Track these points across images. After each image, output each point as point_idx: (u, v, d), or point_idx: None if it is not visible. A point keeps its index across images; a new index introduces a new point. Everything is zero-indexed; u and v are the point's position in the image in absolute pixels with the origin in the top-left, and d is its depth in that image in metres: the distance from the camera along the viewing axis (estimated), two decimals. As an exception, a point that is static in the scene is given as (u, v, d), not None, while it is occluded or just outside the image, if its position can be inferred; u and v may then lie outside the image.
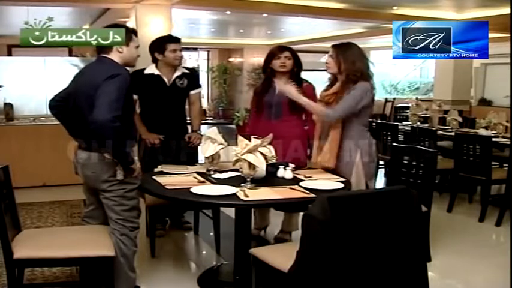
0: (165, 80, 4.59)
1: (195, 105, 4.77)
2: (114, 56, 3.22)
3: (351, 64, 3.75)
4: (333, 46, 3.89)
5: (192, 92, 4.74)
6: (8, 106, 7.40)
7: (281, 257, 2.90)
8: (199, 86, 4.84)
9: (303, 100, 3.83)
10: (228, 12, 10.11)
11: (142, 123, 4.60)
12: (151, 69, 4.63)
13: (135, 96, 4.55)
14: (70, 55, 12.42)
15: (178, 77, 4.63)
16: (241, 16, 10.92)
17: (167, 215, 5.09)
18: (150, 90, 4.60)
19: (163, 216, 4.95)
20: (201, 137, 4.47)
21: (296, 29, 13.29)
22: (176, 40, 4.59)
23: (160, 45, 4.57)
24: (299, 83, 4.35)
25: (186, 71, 4.74)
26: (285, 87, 3.97)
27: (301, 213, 4.51)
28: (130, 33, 3.30)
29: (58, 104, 3.39)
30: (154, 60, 4.63)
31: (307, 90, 4.34)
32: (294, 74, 4.41)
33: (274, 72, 4.40)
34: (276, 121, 4.36)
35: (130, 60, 3.33)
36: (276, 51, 4.39)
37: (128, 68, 3.33)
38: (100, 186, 3.23)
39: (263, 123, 4.43)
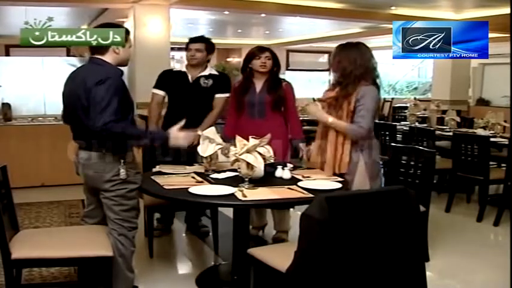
0: (189, 76, 4.71)
1: (215, 109, 4.74)
2: (109, 57, 3.22)
3: (336, 65, 3.78)
4: (337, 46, 3.90)
5: (218, 95, 4.75)
6: (6, 106, 7.40)
7: (279, 257, 2.90)
8: (226, 91, 4.79)
9: (331, 121, 3.76)
10: (226, 12, 10.12)
11: (157, 121, 4.80)
12: (181, 67, 4.87)
13: (163, 93, 4.81)
14: (68, 55, 12.41)
15: (204, 76, 4.71)
16: (240, 16, 10.93)
17: (186, 220, 5.14)
18: (174, 86, 4.76)
19: (167, 217, 4.97)
20: (197, 137, 4.47)
21: (294, 29, 13.30)
22: (193, 40, 4.76)
23: (185, 46, 4.79)
24: (278, 82, 4.48)
25: (216, 73, 4.83)
26: (313, 109, 3.91)
27: (292, 211, 4.60)
28: (127, 34, 3.31)
29: (63, 111, 3.43)
30: None
31: (286, 89, 4.47)
32: (274, 74, 4.50)
33: (254, 72, 4.49)
34: (260, 120, 4.41)
35: (125, 61, 3.34)
36: (256, 52, 4.47)
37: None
38: (102, 185, 3.23)
39: (245, 122, 4.46)
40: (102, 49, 3.21)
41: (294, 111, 4.56)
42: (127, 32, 3.33)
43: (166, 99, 4.86)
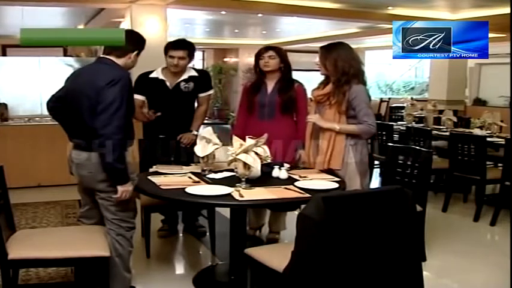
0: (168, 84, 4.59)
1: (201, 107, 4.75)
2: (122, 60, 3.23)
3: (332, 65, 3.81)
4: (320, 47, 3.97)
5: (201, 94, 4.72)
6: (3, 106, 7.40)
7: (276, 257, 2.90)
8: (208, 89, 4.78)
9: (340, 127, 3.79)
10: (223, 12, 10.12)
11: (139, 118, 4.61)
12: (157, 73, 4.64)
13: (143, 98, 4.63)
14: (65, 55, 12.39)
15: (184, 80, 4.60)
16: (236, 16, 10.92)
17: (183, 220, 5.13)
18: (154, 94, 4.62)
19: (172, 217, 4.99)
20: (192, 137, 4.47)
21: (291, 29, 13.30)
22: (175, 47, 4.52)
23: (164, 49, 4.59)
24: (290, 83, 4.40)
25: (195, 74, 4.69)
26: (313, 118, 3.94)
27: (288, 213, 4.59)
28: (143, 43, 3.38)
29: (56, 105, 3.39)
30: None
31: (298, 91, 4.40)
32: (285, 75, 4.42)
33: (264, 72, 4.43)
34: (269, 121, 4.35)
35: (131, 68, 3.37)
36: (261, 51, 4.43)
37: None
38: (97, 186, 3.22)
39: (255, 123, 4.42)
40: (120, 52, 3.21)
41: (303, 113, 4.38)
42: (144, 41, 3.38)
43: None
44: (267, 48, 4.45)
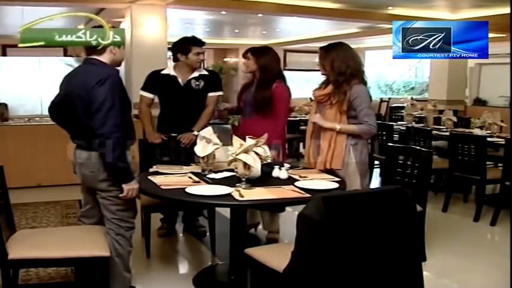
0: (180, 80, 4.63)
1: (208, 108, 4.76)
2: (105, 57, 3.23)
3: (329, 65, 3.84)
4: (320, 47, 3.99)
5: (210, 94, 4.73)
6: (3, 106, 7.40)
7: (276, 257, 2.90)
8: (218, 90, 4.79)
9: (340, 127, 3.80)
10: (223, 12, 10.11)
11: (150, 122, 4.74)
12: (169, 69, 4.70)
13: (152, 96, 4.72)
14: (65, 55, 12.39)
15: (194, 78, 4.64)
16: (237, 16, 10.92)
17: (183, 220, 5.16)
18: (165, 90, 4.68)
19: (170, 217, 5.00)
20: (192, 137, 4.47)
21: (291, 29, 13.30)
22: (201, 43, 4.61)
23: (185, 46, 4.58)
24: (266, 83, 4.36)
25: (206, 73, 4.75)
26: (314, 118, 3.95)
27: (289, 211, 4.60)
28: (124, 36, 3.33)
29: (53, 110, 3.44)
30: (175, 60, 4.66)
31: (277, 91, 4.35)
32: (262, 74, 4.41)
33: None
34: (250, 120, 4.47)
35: (119, 62, 3.36)
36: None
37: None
38: (98, 185, 3.23)
39: (243, 120, 4.63)
40: (99, 49, 3.20)
41: (279, 114, 4.36)
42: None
43: (155, 100, 4.79)
44: (247, 50, 4.52)
